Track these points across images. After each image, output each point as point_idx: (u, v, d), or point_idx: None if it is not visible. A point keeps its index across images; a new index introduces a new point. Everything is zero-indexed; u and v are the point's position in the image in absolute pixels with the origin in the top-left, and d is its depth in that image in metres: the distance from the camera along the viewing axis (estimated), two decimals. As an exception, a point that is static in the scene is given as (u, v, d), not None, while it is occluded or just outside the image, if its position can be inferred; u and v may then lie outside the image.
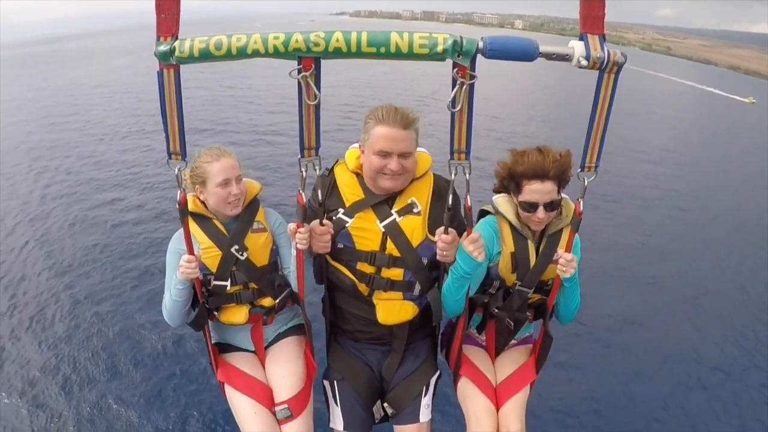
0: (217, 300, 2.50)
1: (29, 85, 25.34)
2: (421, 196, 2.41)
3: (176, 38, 1.81)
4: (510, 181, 2.37)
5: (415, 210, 2.38)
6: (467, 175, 2.01)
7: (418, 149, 2.38)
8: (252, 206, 2.54)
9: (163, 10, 1.80)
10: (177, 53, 1.78)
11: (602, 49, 1.76)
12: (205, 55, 1.77)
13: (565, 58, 1.78)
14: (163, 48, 1.79)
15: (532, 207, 2.28)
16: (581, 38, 1.79)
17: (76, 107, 19.02)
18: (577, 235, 2.25)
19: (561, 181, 2.29)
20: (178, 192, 2.07)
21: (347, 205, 2.39)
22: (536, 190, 2.26)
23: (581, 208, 2.08)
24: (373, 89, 25.58)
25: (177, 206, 2.12)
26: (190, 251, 2.26)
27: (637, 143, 16.76)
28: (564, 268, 2.22)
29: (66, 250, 7.72)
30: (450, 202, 2.13)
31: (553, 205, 2.28)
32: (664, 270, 8.14)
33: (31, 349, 5.60)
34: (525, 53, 1.75)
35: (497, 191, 2.50)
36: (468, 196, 2.06)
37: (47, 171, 11.48)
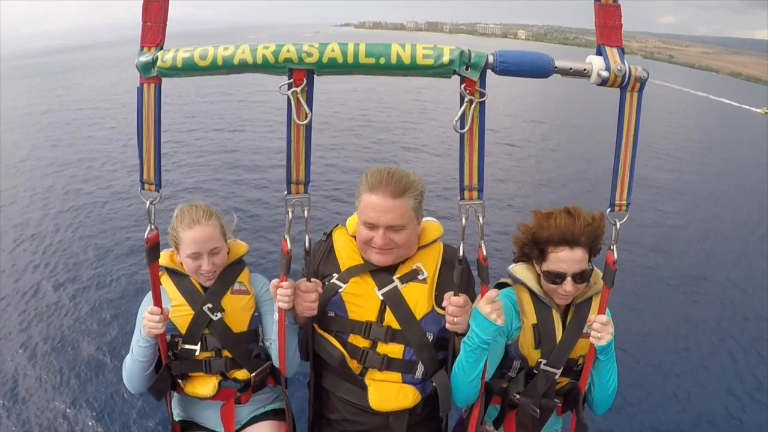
0: (183, 365, 2.19)
1: (41, 96, 25.05)
2: (428, 263, 2.11)
3: (161, 48, 1.65)
4: (533, 248, 2.05)
5: (420, 277, 2.08)
6: (481, 219, 1.71)
7: (428, 219, 2.16)
8: (235, 266, 2.26)
9: (150, 17, 1.65)
10: (159, 63, 1.61)
11: (623, 62, 1.60)
12: (189, 66, 1.60)
13: (583, 73, 1.61)
14: (144, 58, 1.63)
15: (558, 278, 1.96)
16: (598, 52, 1.63)
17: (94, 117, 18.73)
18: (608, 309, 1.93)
19: (592, 248, 1.98)
20: (147, 228, 1.80)
21: (342, 269, 2.11)
22: (564, 259, 1.94)
23: (615, 256, 1.77)
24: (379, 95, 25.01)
25: (145, 245, 1.84)
26: (157, 302, 1.99)
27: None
28: (599, 334, 1.90)
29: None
30: (461, 253, 1.82)
31: (583, 276, 1.97)
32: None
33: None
34: (539, 69, 1.59)
35: (517, 260, 2.18)
36: (482, 245, 1.73)
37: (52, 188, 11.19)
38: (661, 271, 8.19)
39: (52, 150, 14.54)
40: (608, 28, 1.63)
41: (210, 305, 2.15)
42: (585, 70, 1.61)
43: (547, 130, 19.62)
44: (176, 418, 2.34)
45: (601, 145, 14.97)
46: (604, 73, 1.59)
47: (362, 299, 2.07)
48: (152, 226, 1.81)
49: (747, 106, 40.65)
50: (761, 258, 8.98)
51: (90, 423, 4.53)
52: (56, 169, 12.52)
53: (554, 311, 2.06)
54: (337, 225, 2.29)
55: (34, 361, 5.32)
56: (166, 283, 2.17)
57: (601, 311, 1.93)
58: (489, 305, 1.83)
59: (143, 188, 1.78)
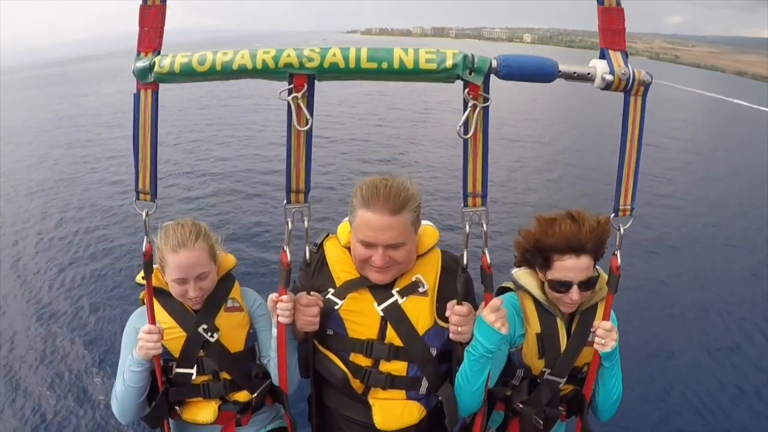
0: (180, 392, 2.05)
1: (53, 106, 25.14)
2: (427, 274, 2.02)
3: (158, 53, 1.63)
4: (536, 255, 1.97)
5: (420, 289, 1.99)
6: (485, 226, 1.67)
7: (423, 223, 2.06)
8: (226, 281, 2.14)
9: (147, 22, 1.62)
10: (156, 68, 1.58)
11: (626, 65, 1.58)
12: (187, 72, 1.57)
13: (586, 77, 1.59)
14: (141, 64, 1.60)
15: (564, 286, 1.90)
16: (601, 56, 1.62)
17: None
18: (612, 311, 1.91)
19: (597, 254, 1.91)
20: (144, 241, 1.73)
21: (338, 284, 2.01)
22: (570, 267, 1.87)
23: (618, 262, 1.75)
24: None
25: (142, 258, 1.77)
26: (152, 320, 1.88)
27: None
28: (603, 341, 1.86)
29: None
30: (464, 261, 1.75)
31: (589, 284, 1.91)
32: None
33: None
34: (543, 73, 1.56)
35: (518, 265, 2.12)
36: (486, 253, 1.70)
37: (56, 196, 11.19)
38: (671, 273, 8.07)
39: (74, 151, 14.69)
40: (611, 31, 1.61)
41: (205, 326, 2.03)
42: (589, 74, 1.59)
43: (550, 132, 19.42)
44: None
45: (605, 149, 14.76)
46: (609, 77, 1.57)
47: (361, 316, 1.98)
48: (148, 239, 1.74)
49: (737, 100, 39.78)
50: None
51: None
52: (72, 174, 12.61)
53: (558, 320, 2.01)
54: (327, 234, 2.19)
55: (15, 392, 5.00)
56: (154, 306, 2.02)
57: (605, 317, 1.89)
58: (493, 314, 1.77)
59: (138, 198, 1.73)
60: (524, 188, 11.77)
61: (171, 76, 1.59)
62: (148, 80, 1.61)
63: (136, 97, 1.64)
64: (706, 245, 9.44)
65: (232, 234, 8.11)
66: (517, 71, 1.55)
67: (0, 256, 8.05)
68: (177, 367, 2.04)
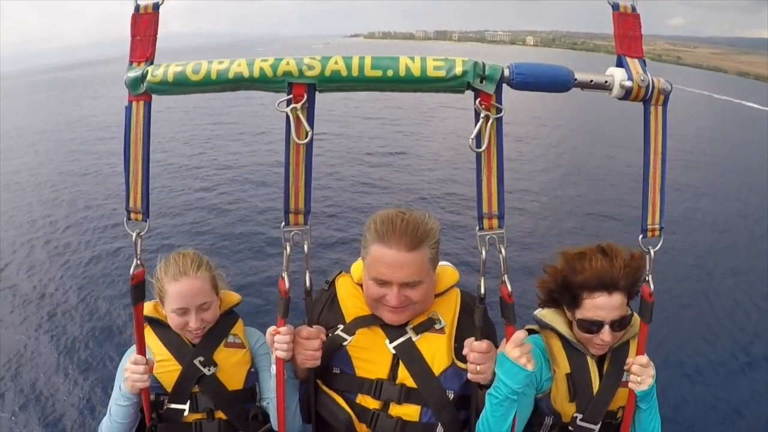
0: (169, 429, 1.92)
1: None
2: (445, 312, 1.87)
3: (151, 63, 1.55)
4: (564, 293, 1.83)
5: (437, 326, 1.83)
6: (503, 250, 1.53)
7: (442, 264, 1.93)
8: (228, 317, 2.04)
9: (139, 30, 1.55)
10: (149, 78, 1.50)
11: (645, 72, 1.50)
12: (181, 82, 1.49)
13: (604, 86, 1.51)
14: (133, 74, 1.52)
15: (595, 326, 1.76)
16: (618, 63, 1.54)
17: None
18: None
19: (631, 291, 1.76)
20: (133, 264, 1.64)
21: (347, 320, 1.88)
22: (602, 306, 1.74)
23: (651, 288, 1.62)
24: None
25: (130, 282, 1.67)
26: (141, 350, 1.79)
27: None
28: (639, 378, 1.71)
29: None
30: (483, 290, 1.59)
31: (622, 324, 1.78)
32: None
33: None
34: (558, 82, 1.48)
35: (543, 306, 1.97)
36: (506, 280, 1.54)
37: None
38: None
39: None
40: (628, 38, 1.55)
41: (202, 358, 1.92)
42: (606, 82, 1.51)
43: (565, 144, 19.07)
44: None
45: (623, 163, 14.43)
46: (627, 83, 1.49)
47: (371, 353, 1.84)
48: (138, 262, 1.64)
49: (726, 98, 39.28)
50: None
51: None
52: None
53: (589, 358, 1.87)
54: (340, 272, 2.07)
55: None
56: (149, 336, 1.93)
57: (639, 352, 1.75)
58: (517, 349, 1.60)
59: (129, 218, 1.63)
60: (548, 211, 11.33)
61: (164, 86, 1.51)
62: (140, 91, 1.53)
63: (128, 109, 1.56)
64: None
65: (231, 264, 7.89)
66: (531, 80, 1.47)
67: (11, 255, 8.22)
68: (169, 402, 1.92)
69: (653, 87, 1.50)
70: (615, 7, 1.53)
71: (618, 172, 14.05)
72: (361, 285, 1.91)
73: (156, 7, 1.55)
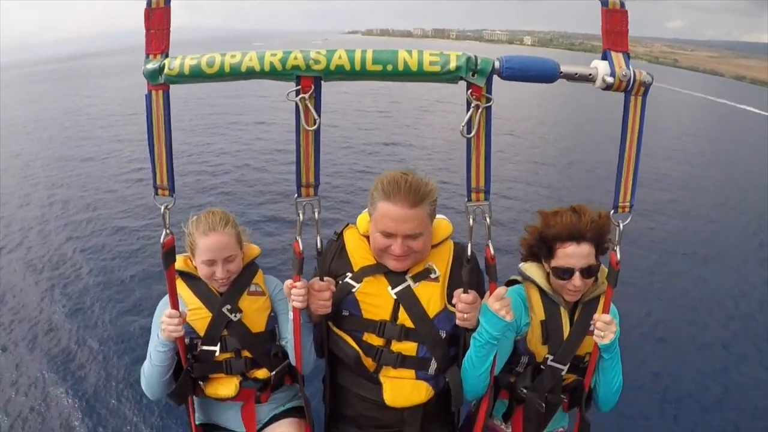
0: (203, 368, 2.22)
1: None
2: (439, 262, 2.15)
3: (166, 55, 1.67)
4: (541, 246, 2.11)
5: (432, 276, 2.12)
6: (488, 219, 1.76)
7: (438, 217, 2.16)
8: (249, 268, 2.30)
9: (153, 24, 1.66)
10: (166, 71, 1.62)
11: (628, 67, 1.62)
12: (197, 74, 1.62)
13: (588, 78, 1.63)
14: (152, 66, 1.64)
15: (566, 273, 2.02)
16: (604, 57, 1.65)
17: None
18: (613, 305, 2.00)
19: (599, 244, 2.03)
20: (163, 233, 1.83)
21: (355, 268, 2.14)
22: (571, 254, 2.00)
23: (618, 257, 1.83)
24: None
25: (161, 249, 1.87)
26: (174, 305, 2.01)
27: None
28: (602, 333, 1.94)
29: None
30: (469, 253, 1.87)
31: (590, 271, 2.02)
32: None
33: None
34: (545, 74, 1.60)
35: (525, 260, 2.25)
36: (490, 245, 1.78)
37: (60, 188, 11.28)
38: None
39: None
40: (614, 33, 1.64)
41: (229, 306, 2.18)
42: (590, 75, 1.63)
43: (551, 131, 19.56)
44: (197, 422, 2.35)
45: (608, 147, 14.82)
46: (609, 79, 1.61)
47: (376, 299, 2.10)
48: (167, 231, 1.83)
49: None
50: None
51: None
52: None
53: (562, 308, 2.12)
54: (348, 224, 2.31)
55: (46, 366, 5.30)
56: (182, 288, 2.18)
57: (605, 310, 1.97)
58: (498, 302, 1.87)
59: (157, 194, 1.81)
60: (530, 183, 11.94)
61: (181, 78, 1.63)
62: (159, 82, 1.65)
63: (148, 97, 1.69)
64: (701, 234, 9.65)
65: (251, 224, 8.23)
66: (519, 72, 1.59)
67: (28, 239, 8.37)
68: (202, 344, 2.19)
69: (634, 80, 1.62)
70: (604, 2, 1.62)
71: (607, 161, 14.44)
72: (366, 236, 2.16)
73: (167, 1, 1.66)
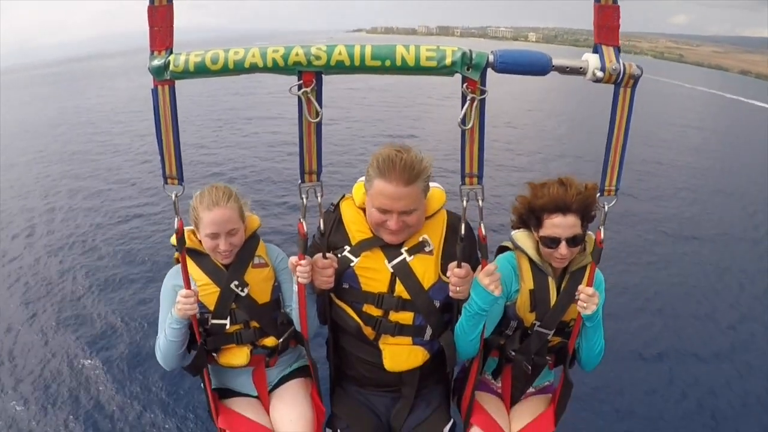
0: (215, 340, 2.34)
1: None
2: (433, 234, 2.23)
3: (171, 52, 1.72)
4: (530, 216, 2.20)
5: (426, 249, 2.20)
6: (480, 202, 1.85)
7: (431, 185, 2.22)
8: (252, 241, 2.39)
9: (157, 21, 1.70)
10: (171, 67, 1.68)
11: (617, 61, 1.67)
12: (201, 70, 1.68)
13: (579, 71, 1.69)
14: (157, 62, 1.70)
15: (553, 242, 2.11)
16: (595, 50, 1.70)
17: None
18: (600, 272, 2.11)
19: (584, 215, 2.12)
20: (175, 220, 1.95)
21: (353, 242, 2.22)
22: (558, 224, 2.09)
23: (602, 236, 1.92)
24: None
25: (174, 235, 2.00)
26: (188, 285, 2.12)
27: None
28: (585, 304, 2.04)
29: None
30: (462, 231, 1.96)
31: (576, 241, 2.11)
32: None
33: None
34: (537, 67, 1.66)
35: (516, 227, 2.34)
36: (482, 225, 1.86)
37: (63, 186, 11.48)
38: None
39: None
40: (606, 27, 1.69)
41: (236, 282, 2.27)
42: (581, 68, 1.69)
43: (547, 120, 19.98)
44: (212, 387, 2.44)
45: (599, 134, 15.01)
46: (599, 73, 1.66)
47: (374, 272, 2.19)
48: (178, 217, 1.94)
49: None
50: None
51: (125, 398, 4.73)
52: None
53: (550, 278, 2.22)
54: (344, 195, 2.38)
55: (61, 340, 5.62)
56: (189, 265, 2.25)
57: (588, 283, 2.06)
58: (488, 278, 1.98)
59: (166, 183, 1.89)
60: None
61: (186, 74, 1.69)
62: (164, 78, 1.71)
63: (154, 92, 1.74)
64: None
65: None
66: (512, 65, 1.65)
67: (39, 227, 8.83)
68: (212, 318, 2.29)
69: (624, 72, 1.67)
70: None
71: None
72: (362, 208, 2.25)
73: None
